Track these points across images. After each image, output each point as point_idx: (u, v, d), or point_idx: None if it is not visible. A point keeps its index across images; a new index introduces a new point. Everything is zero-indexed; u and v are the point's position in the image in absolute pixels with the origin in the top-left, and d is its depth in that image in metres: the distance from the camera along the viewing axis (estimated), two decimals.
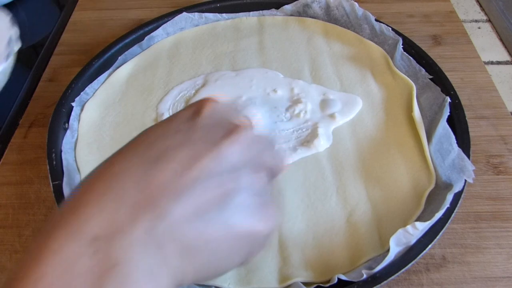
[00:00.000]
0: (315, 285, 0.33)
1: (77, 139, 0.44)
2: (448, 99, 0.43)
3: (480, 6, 0.64)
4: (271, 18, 0.58)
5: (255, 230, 0.22)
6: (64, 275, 0.17)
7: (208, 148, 0.21)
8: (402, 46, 0.50)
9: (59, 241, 0.18)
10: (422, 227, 0.33)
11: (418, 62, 0.48)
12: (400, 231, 0.33)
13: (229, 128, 0.23)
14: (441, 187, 0.38)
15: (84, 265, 0.17)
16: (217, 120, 0.23)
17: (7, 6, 0.66)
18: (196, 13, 0.57)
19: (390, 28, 0.51)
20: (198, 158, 0.21)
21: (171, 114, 0.46)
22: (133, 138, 0.23)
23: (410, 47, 0.50)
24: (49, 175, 0.39)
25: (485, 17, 0.62)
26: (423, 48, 0.50)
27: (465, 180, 0.37)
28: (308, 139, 0.43)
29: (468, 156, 0.39)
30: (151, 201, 0.19)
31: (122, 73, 0.51)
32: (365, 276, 0.31)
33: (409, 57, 0.49)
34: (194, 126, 0.23)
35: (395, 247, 0.32)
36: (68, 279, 0.17)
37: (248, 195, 0.22)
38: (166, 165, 0.20)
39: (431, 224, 0.34)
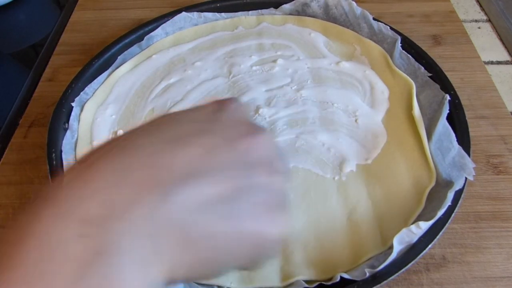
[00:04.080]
0: (317, 283, 0.33)
1: (77, 139, 0.44)
2: (448, 97, 0.43)
3: (480, 6, 0.64)
4: (270, 17, 0.58)
5: (263, 233, 0.20)
6: (43, 263, 0.15)
7: (226, 142, 0.20)
8: (400, 45, 0.50)
9: (45, 222, 0.16)
10: (426, 226, 0.33)
11: (418, 62, 0.48)
12: (404, 230, 0.33)
13: (249, 128, 0.22)
14: (442, 184, 0.38)
15: (68, 252, 0.15)
16: (238, 119, 0.23)
17: (7, 6, 0.66)
18: (195, 13, 0.57)
19: (389, 27, 0.51)
20: (215, 148, 0.20)
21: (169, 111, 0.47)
22: (148, 120, 0.21)
23: (410, 47, 0.50)
24: (49, 175, 0.39)
25: (485, 17, 0.62)
26: (423, 48, 0.50)
27: (466, 178, 0.37)
28: None
29: (468, 156, 0.39)
30: (158, 182, 0.17)
31: (122, 73, 0.51)
32: (368, 274, 0.32)
33: (408, 55, 0.49)
34: (216, 120, 0.22)
35: (398, 246, 0.33)
36: (46, 269, 0.15)
37: (261, 195, 0.20)
38: (180, 148, 0.19)
39: (433, 223, 0.34)
